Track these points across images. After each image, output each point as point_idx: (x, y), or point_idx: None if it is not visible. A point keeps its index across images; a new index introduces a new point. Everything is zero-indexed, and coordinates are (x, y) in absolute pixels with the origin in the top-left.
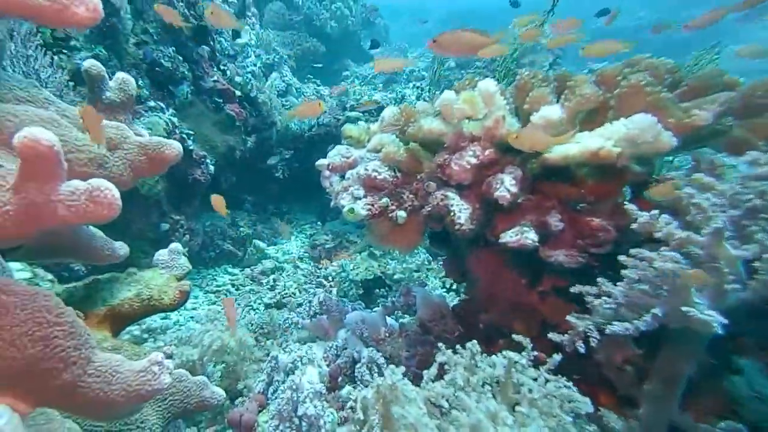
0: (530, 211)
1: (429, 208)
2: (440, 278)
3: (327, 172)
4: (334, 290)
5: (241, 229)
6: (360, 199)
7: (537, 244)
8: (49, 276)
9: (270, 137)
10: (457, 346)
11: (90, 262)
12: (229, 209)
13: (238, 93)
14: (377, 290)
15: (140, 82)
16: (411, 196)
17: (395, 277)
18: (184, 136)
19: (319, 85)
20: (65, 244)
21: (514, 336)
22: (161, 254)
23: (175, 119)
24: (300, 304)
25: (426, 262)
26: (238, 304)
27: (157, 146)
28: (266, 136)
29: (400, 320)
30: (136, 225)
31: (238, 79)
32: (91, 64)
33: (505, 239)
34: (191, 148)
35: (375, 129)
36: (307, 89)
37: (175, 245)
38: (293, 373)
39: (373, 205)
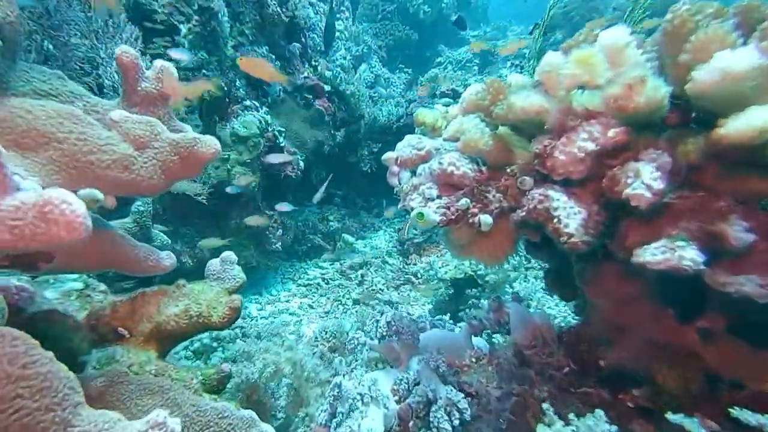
0: (687, 216)
1: (523, 213)
2: (543, 286)
3: (395, 168)
4: (422, 288)
5: (331, 223)
6: (433, 200)
7: (701, 267)
8: (102, 287)
9: (358, 130)
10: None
11: (130, 273)
12: (320, 204)
13: (327, 88)
14: (469, 290)
15: (237, 83)
16: (498, 195)
17: (488, 278)
18: (276, 133)
19: (409, 75)
20: (99, 254)
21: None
22: (213, 264)
23: (268, 117)
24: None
25: (524, 261)
26: (328, 298)
27: (190, 144)
28: (354, 129)
29: (492, 339)
30: (234, 220)
31: (327, 73)
32: (122, 51)
33: (645, 258)
34: (282, 144)
35: (454, 112)
36: (396, 79)
37: (228, 254)
38: (353, 413)
39: (448, 208)
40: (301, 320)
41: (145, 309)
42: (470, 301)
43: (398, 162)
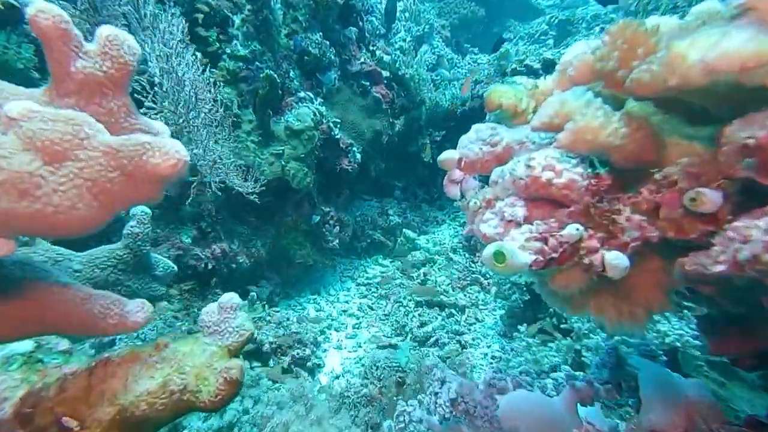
0: None
1: (719, 264)
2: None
3: (456, 173)
4: (493, 290)
5: (391, 217)
6: (518, 225)
7: None
8: (63, 344)
9: (419, 117)
10: None
11: (85, 334)
12: (379, 197)
13: (385, 73)
14: None
15: (291, 74)
16: (638, 218)
17: None
18: (331, 125)
19: (476, 54)
20: (20, 320)
21: None
22: (208, 312)
23: (323, 108)
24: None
25: None
26: (387, 299)
27: (137, 152)
28: (415, 116)
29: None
30: (290, 217)
31: (386, 58)
32: (38, 10)
33: None
34: (338, 136)
35: (548, 86)
36: (460, 60)
37: (229, 297)
38: None
39: (546, 239)
40: (360, 323)
41: (108, 384)
42: (552, 310)
43: (462, 165)
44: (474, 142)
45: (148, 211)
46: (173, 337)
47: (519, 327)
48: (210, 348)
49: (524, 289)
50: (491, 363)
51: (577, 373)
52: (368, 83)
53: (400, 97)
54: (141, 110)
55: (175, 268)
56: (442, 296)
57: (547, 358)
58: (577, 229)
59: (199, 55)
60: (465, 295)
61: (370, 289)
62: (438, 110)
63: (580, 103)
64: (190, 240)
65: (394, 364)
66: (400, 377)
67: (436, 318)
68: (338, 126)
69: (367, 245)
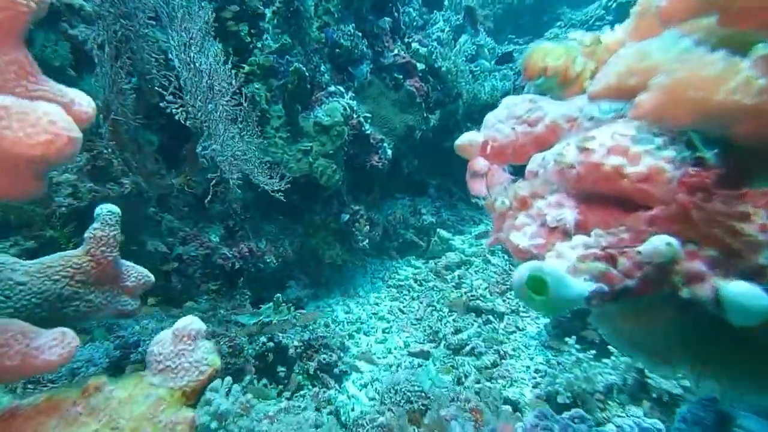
0: None
1: None
2: None
3: (480, 163)
4: None
5: (424, 217)
6: (566, 236)
7: None
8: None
9: (455, 111)
10: None
11: None
12: (411, 195)
13: (420, 65)
14: None
15: (322, 68)
16: None
17: None
18: (362, 120)
19: (519, 44)
20: None
21: None
22: (160, 342)
23: (353, 103)
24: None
25: None
26: (420, 303)
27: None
28: (451, 111)
29: None
30: (319, 216)
31: (422, 50)
32: None
33: None
34: (368, 132)
35: (615, 39)
36: (503, 51)
37: (187, 322)
38: None
39: (614, 259)
40: (391, 327)
41: None
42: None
43: (488, 151)
44: (505, 120)
45: (116, 209)
46: (110, 378)
47: (567, 339)
48: (156, 392)
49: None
50: (534, 377)
51: (651, 422)
52: (402, 76)
53: (436, 90)
54: (161, 103)
55: (152, 277)
56: (478, 301)
57: (601, 376)
58: (668, 244)
59: (229, 49)
60: (504, 301)
61: (402, 292)
62: (476, 103)
63: (672, 54)
64: (218, 239)
65: (415, 388)
66: (422, 406)
67: (472, 324)
68: (369, 121)
69: (398, 245)
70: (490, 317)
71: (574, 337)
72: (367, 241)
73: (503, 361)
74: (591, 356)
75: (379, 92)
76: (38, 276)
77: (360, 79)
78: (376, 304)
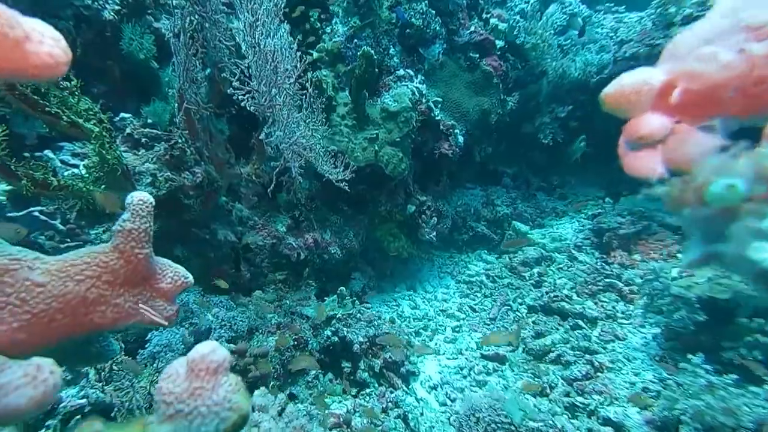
0: None
1: None
2: None
3: (653, 122)
4: (640, 301)
5: (498, 208)
6: None
7: None
8: None
9: (537, 92)
10: None
11: None
12: (484, 185)
13: (499, 43)
14: (745, 319)
15: (392, 50)
16: None
17: None
18: (431, 105)
19: (621, 12)
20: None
21: None
22: (170, 377)
23: (422, 87)
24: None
25: None
26: (493, 301)
27: None
28: (532, 92)
29: None
30: (384, 207)
31: (501, 26)
32: None
33: None
34: (438, 118)
35: None
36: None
37: (207, 349)
38: None
39: None
40: (461, 326)
41: None
42: (748, 339)
43: (676, 98)
44: (718, 37)
45: (148, 198)
46: (107, 424)
47: (690, 356)
48: None
49: (696, 305)
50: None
51: None
52: (477, 55)
53: (516, 69)
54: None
55: (190, 277)
56: (563, 303)
57: (748, 407)
58: None
59: (299, 36)
60: (596, 304)
61: (472, 288)
62: (564, 81)
63: None
64: (285, 229)
65: (503, 420)
66: None
67: (556, 329)
68: (439, 106)
69: (468, 238)
70: (579, 322)
71: (701, 354)
72: (434, 233)
73: (599, 374)
74: (731, 382)
75: (451, 74)
76: (60, 276)
77: (431, 61)
78: (445, 300)
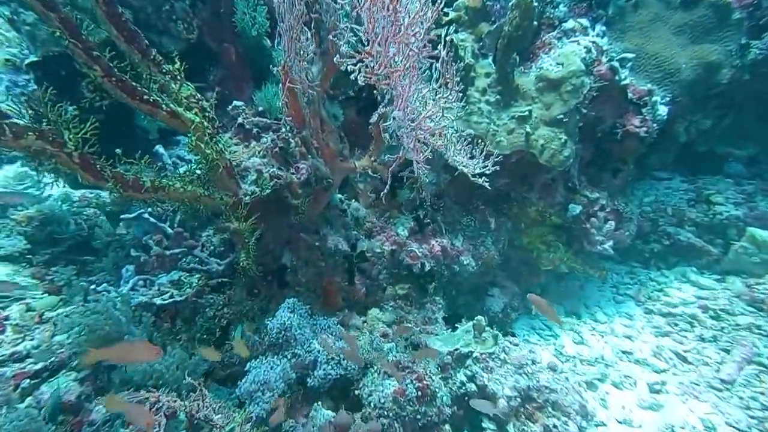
0: None
1: None
2: None
3: None
4: None
5: (718, 207)
6: None
7: None
8: None
9: None
10: None
11: None
12: (691, 174)
13: None
14: None
15: None
16: None
17: None
18: (615, 65)
19: None
20: None
21: None
22: None
23: (602, 41)
24: None
25: None
26: (724, 351)
27: None
28: None
29: None
30: (534, 206)
31: None
32: None
33: None
34: (625, 82)
35: None
36: None
37: None
38: None
39: None
40: (663, 382)
41: None
42: None
43: None
44: None
45: None
46: None
47: None
48: None
49: None
50: None
51: None
52: None
53: None
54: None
55: None
56: None
57: None
58: None
59: None
60: None
61: (676, 324)
62: None
63: None
64: (406, 233)
65: None
66: None
67: None
68: (629, 65)
69: (662, 249)
70: None
71: None
72: (610, 242)
73: None
74: None
75: (651, 17)
76: None
77: (618, 2)
78: (628, 337)
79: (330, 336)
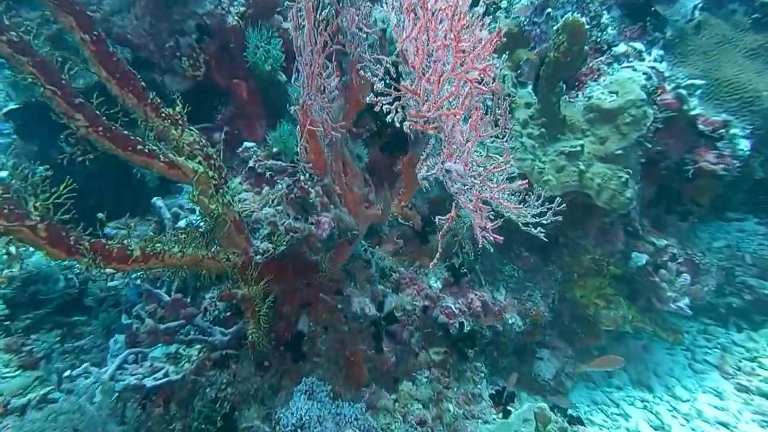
0: None
1: None
2: None
3: None
4: None
5: None
6: None
7: None
8: None
9: None
10: None
11: None
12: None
13: None
14: None
15: (605, 17)
16: None
17: None
18: (681, 93)
19: None
20: None
21: None
22: None
23: (663, 66)
24: None
25: None
26: None
27: None
28: None
29: None
30: (591, 254)
31: None
32: None
33: None
34: (695, 112)
35: None
36: None
37: None
38: None
39: None
40: None
41: None
42: None
43: None
44: None
45: None
46: None
47: None
48: None
49: None
50: None
51: None
52: None
53: None
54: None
55: None
56: None
57: None
58: None
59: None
60: None
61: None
62: None
63: None
64: (440, 285)
65: None
66: None
67: None
68: (698, 91)
69: (743, 304)
70: None
71: None
72: (686, 300)
73: None
74: None
75: (718, 39)
76: None
77: (678, 23)
78: (724, 425)
79: (356, 428)
